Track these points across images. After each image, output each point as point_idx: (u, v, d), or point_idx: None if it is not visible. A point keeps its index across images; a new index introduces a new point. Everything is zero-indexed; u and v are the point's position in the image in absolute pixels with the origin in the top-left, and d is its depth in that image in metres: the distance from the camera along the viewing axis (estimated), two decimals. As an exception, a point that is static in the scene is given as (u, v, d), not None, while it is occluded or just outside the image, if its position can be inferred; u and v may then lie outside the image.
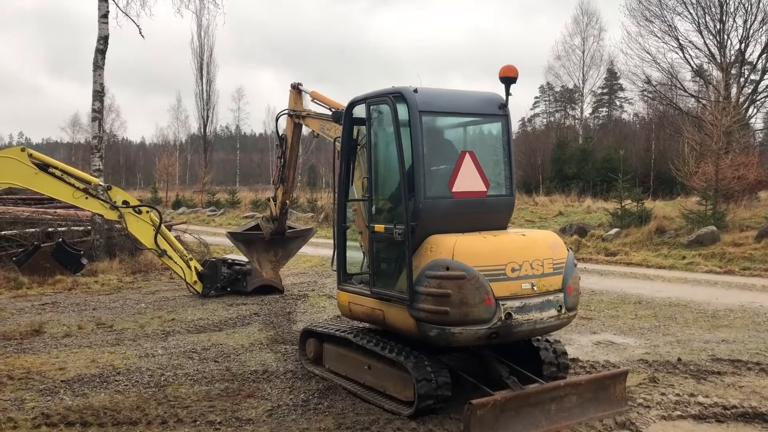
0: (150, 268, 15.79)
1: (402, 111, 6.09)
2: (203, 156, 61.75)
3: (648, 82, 31.26)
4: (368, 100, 6.52)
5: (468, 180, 6.27)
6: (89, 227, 16.49)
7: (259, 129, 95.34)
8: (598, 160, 42.24)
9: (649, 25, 28.81)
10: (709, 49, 27.81)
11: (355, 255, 7.34)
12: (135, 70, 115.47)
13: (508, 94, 6.40)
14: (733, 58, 27.56)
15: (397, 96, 6.13)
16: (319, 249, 19.07)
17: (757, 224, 18.22)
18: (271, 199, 11.10)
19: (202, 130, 63.58)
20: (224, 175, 77.28)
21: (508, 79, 6.31)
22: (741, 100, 26.55)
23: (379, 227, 6.34)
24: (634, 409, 6.07)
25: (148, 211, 11.76)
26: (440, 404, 5.91)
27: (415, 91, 6.10)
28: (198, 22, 63.32)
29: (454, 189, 6.20)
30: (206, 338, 9.12)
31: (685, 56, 28.98)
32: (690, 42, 28.31)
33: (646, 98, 40.12)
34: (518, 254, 5.89)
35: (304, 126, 9.95)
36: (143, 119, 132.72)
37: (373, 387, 6.50)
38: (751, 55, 27.88)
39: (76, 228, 16.68)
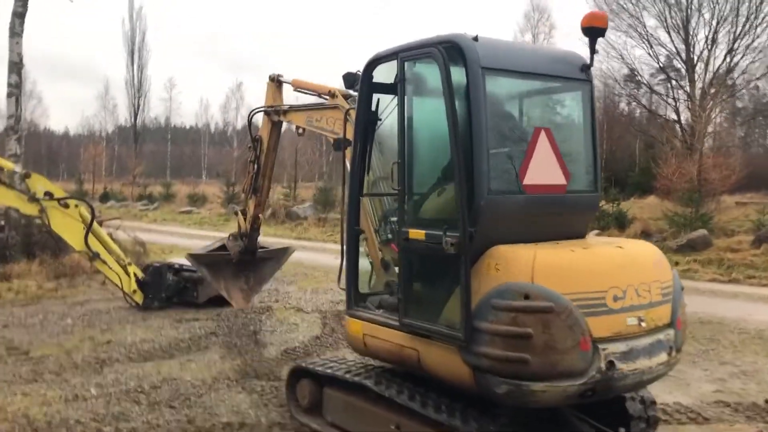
0: (77, 271, 13.35)
1: (457, 68, 4.30)
2: (133, 147, 58.22)
3: (615, 80, 30.31)
4: (402, 54, 4.69)
5: (544, 169, 4.53)
6: (2, 222, 13.96)
7: (191, 121, 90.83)
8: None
9: (615, 19, 27.82)
10: (675, 47, 27.07)
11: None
12: (54, 57, 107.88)
13: (593, 51, 4.68)
14: (698, 56, 26.92)
15: (449, 46, 4.32)
16: (272, 249, 17.02)
17: (740, 227, 17.27)
18: (240, 213, 9.10)
19: (132, 119, 60.15)
20: (154, 167, 73.40)
21: (595, 30, 4.58)
22: (706, 100, 25.85)
23: (417, 233, 4.52)
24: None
25: (76, 205, 9.57)
26: (511, 486, 4.16)
27: (475, 39, 4.32)
28: (130, 4, 60.00)
29: (527, 181, 4.45)
30: (154, 369, 7.06)
31: (651, 53, 28.15)
32: (656, 38, 27.51)
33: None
34: (620, 275, 4.20)
35: (284, 124, 8.14)
36: (66, 109, 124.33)
37: (405, 456, 4.68)
38: (716, 54, 27.28)
39: (-15, 223, 14.13)
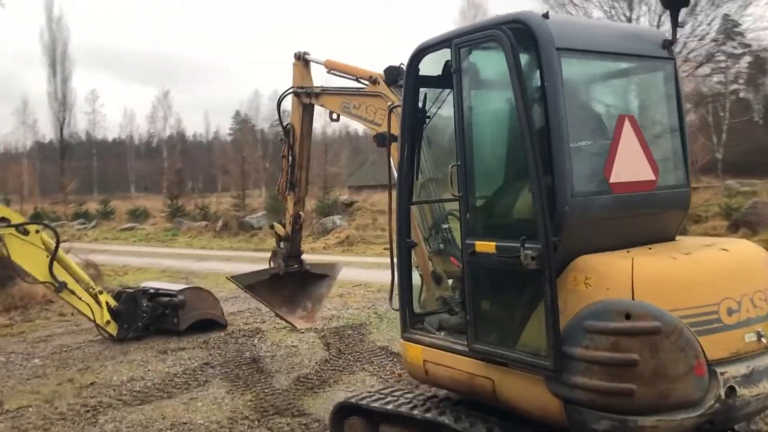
0: (30, 302, 12.18)
1: (527, 51, 3.78)
2: (60, 163, 55.50)
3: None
4: (457, 40, 4.11)
5: (631, 163, 4.03)
6: (-59, 254, 12.65)
7: (113, 133, 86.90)
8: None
9: (558, 11, 27.82)
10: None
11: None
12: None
13: (675, 25, 4.16)
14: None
15: (516, 26, 3.77)
16: (233, 264, 16.15)
17: (706, 212, 17.42)
18: (277, 224, 8.10)
19: (58, 134, 57.46)
20: (80, 183, 70.29)
21: (677, 1, 4.08)
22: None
23: (486, 246, 3.94)
24: None
25: (38, 231, 8.58)
26: None
27: (545, 16, 3.79)
28: (48, 13, 57.28)
29: (613, 179, 3.94)
30: (157, 413, 6.25)
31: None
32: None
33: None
34: (733, 284, 3.75)
35: (316, 107, 7.37)
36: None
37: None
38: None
39: None
